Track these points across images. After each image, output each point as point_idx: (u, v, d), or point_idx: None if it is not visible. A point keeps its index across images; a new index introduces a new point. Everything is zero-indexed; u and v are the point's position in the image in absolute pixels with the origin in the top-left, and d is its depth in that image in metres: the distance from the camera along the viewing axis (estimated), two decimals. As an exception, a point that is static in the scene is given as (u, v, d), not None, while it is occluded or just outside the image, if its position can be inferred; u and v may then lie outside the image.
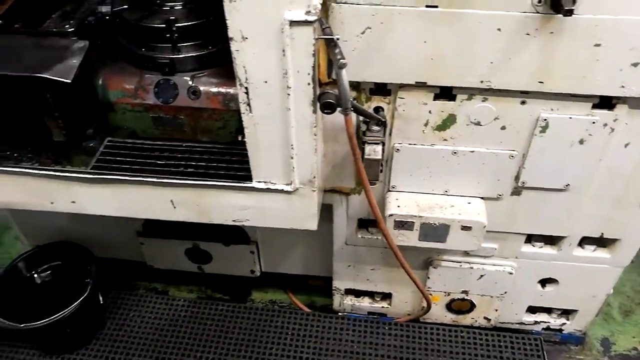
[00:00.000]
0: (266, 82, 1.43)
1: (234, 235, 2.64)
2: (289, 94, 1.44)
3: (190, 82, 2.18)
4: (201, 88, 2.18)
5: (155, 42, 2.14)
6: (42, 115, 2.09)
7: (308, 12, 1.29)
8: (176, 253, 2.69)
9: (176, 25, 2.08)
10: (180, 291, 2.93)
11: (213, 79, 2.20)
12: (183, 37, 2.12)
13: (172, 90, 2.19)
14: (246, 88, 1.45)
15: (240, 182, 1.75)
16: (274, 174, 1.69)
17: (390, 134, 1.87)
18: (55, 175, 1.79)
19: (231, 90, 2.17)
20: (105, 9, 2.25)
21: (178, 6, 2.16)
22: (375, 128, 1.79)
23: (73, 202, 1.88)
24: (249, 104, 1.49)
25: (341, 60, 1.33)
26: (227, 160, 2.02)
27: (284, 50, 1.35)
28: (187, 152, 2.08)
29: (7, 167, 1.81)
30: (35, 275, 2.58)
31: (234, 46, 1.37)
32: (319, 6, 1.30)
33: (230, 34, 1.34)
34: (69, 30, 2.04)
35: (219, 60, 2.22)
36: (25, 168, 1.81)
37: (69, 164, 2.23)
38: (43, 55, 1.97)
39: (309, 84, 1.42)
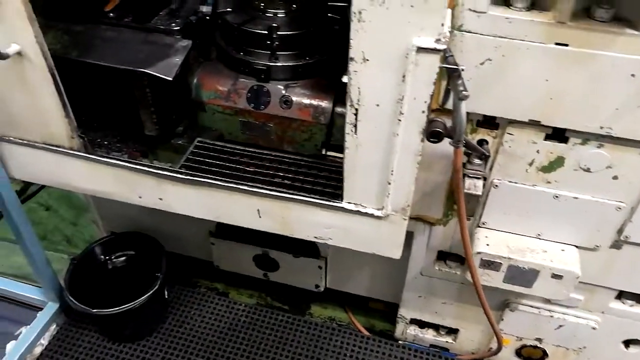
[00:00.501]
0: (378, 105, 1.38)
1: (305, 247, 2.61)
2: (399, 120, 1.38)
3: (283, 91, 2.17)
4: (293, 98, 2.17)
5: (254, 48, 2.14)
6: (138, 108, 2.13)
7: (438, 40, 1.23)
8: (244, 257, 2.69)
9: (277, 33, 2.08)
10: (240, 294, 2.93)
11: (306, 91, 2.18)
12: (282, 46, 2.11)
13: (265, 97, 2.18)
14: (356, 110, 1.41)
15: (330, 201, 1.71)
16: (367, 197, 1.63)
17: (490, 169, 1.78)
18: (148, 170, 1.80)
19: (322, 104, 2.15)
20: (206, 9, 2.27)
21: (281, 14, 2.15)
22: (477, 161, 1.71)
23: (160, 198, 1.89)
24: (355, 126, 1.44)
25: (463, 92, 1.26)
26: (314, 175, 1.98)
27: (404, 76, 1.30)
28: (275, 161, 2.06)
29: (102, 156, 1.84)
30: (109, 261, 2.64)
31: (352, 67, 1.32)
32: (448, 34, 1.24)
33: (351, 54, 1.30)
34: (175, 28, 2.07)
35: (313, 71, 2.20)
36: (120, 160, 1.83)
37: (155, 159, 2.27)
38: (148, 50, 2.01)
39: (423, 112, 1.36)
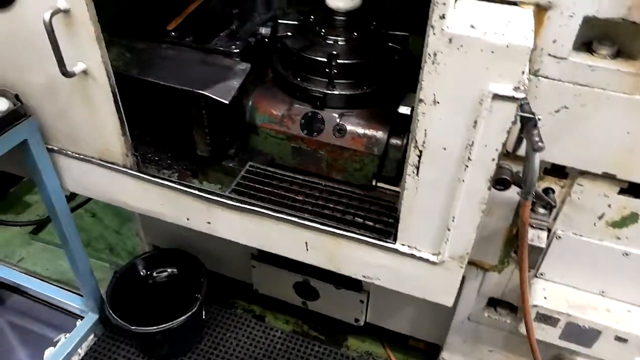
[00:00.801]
0: (445, 149, 1.32)
1: (348, 279, 2.54)
2: (467, 166, 1.31)
3: (338, 119, 2.12)
4: (347, 127, 2.12)
5: (312, 74, 2.11)
6: (192, 128, 2.12)
7: (517, 88, 1.15)
8: (284, 283, 2.64)
9: (337, 61, 2.04)
10: (277, 319, 2.88)
11: (361, 120, 2.13)
12: (341, 74, 2.07)
13: (319, 125, 2.14)
14: (420, 151, 1.34)
15: (383, 241, 1.64)
16: (422, 241, 1.56)
17: (554, 219, 1.68)
18: (199, 194, 1.78)
19: (377, 135, 2.09)
20: (265, 30, 2.26)
21: (341, 42, 2.12)
22: (542, 211, 1.61)
23: (208, 222, 1.87)
24: (417, 167, 1.38)
25: (539, 144, 1.18)
26: (366, 209, 1.92)
27: (476, 122, 1.23)
28: (326, 191, 2.00)
29: (154, 176, 1.83)
30: (150, 277, 2.65)
31: (421, 108, 1.26)
32: (527, 82, 1.17)
33: (421, 96, 1.24)
34: (234, 51, 2.07)
35: (369, 101, 2.15)
36: (171, 181, 1.82)
37: (205, 180, 2.25)
38: (207, 71, 2.01)
39: (493, 159, 1.28)
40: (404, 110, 2.19)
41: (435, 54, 1.16)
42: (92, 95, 1.68)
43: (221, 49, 2.07)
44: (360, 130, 2.11)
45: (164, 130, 2.43)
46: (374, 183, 2.20)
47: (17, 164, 1.93)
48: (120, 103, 1.69)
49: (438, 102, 1.24)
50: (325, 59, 2.05)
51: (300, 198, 1.95)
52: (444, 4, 1.08)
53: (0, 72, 1.75)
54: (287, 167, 2.31)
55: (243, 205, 1.76)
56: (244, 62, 2.08)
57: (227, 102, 1.92)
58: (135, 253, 3.09)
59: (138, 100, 2.10)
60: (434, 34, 1.13)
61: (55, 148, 1.94)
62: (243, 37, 2.18)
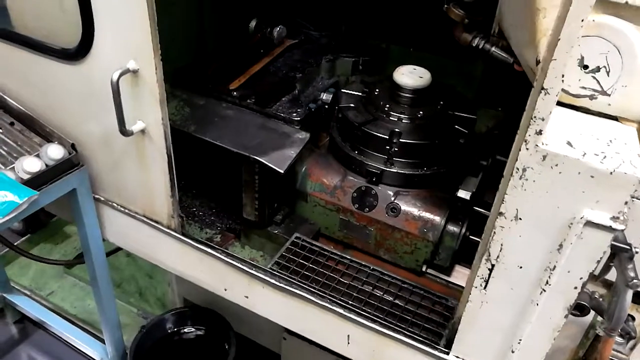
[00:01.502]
0: (521, 267, 1.18)
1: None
2: (544, 290, 1.17)
3: (392, 198, 2.02)
4: (402, 207, 2.01)
5: (370, 149, 2.03)
6: (241, 191, 2.05)
7: (615, 218, 1.02)
8: (315, 361, 2.49)
9: (400, 140, 1.95)
10: (301, 395, 2.70)
11: (417, 201, 2.02)
12: (401, 152, 1.97)
13: (372, 200, 2.04)
14: (492, 265, 1.21)
15: (435, 349, 1.49)
16: (480, 358, 1.40)
17: (631, 348, 1.50)
18: (240, 267, 1.68)
19: (434, 219, 1.97)
20: (326, 97, 2.21)
21: (405, 120, 2.03)
22: (619, 339, 1.44)
23: (247, 296, 1.77)
24: (486, 281, 1.24)
25: (634, 281, 1.04)
26: (416, 303, 1.78)
27: (561, 245, 1.10)
28: (373, 276, 1.88)
29: (198, 241, 1.75)
30: (177, 334, 2.55)
31: (500, 222, 1.14)
32: (627, 211, 1.03)
33: (502, 209, 1.12)
34: (295, 119, 2.01)
35: (427, 182, 2.04)
36: (214, 250, 1.74)
37: (248, 244, 2.17)
38: (265, 137, 1.95)
39: (575, 287, 1.14)
40: (463, 194, 2.07)
41: (524, 169, 1.05)
42: (146, 153, 1.64)
43: (282, 115, 2.02)
44: (416, 212, 2.00)
45: (211, 187, 2.38)
46: (423, 269, 2.07)
47: (62, 207, 1.90)
48: (173, 165, 1.64)
49: (520, 219, 1.12)
50: (386, 136, 1.96)
51: (346, 281, 1.83)
52: (543, 119, 0.98)
53: (60, 119, 1.74)
54: (333, 238, 2.21)
55: (286, 287, 1.65)
56: (303, 130, 2.02)
57: (282, 171, 1.85)
58: (164, 300, 3.01)
59: (190, 154, 2.06)
60: (527, 148, 1.02)
61: (102, 198, 1.89)
62: (305, 103, 2.13)
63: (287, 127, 2.00)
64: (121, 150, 1.68)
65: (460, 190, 2.04)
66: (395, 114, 2.04)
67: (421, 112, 2.05)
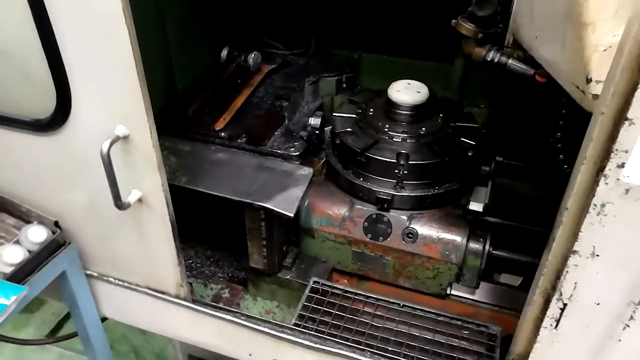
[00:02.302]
0: (598, 304, 1.08)
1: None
2: (627, 325, 1.07)
3: (407, 223, 1.90)
4: (419, 231, 1.89)
5: (377, 175, 1.90)
6: (244, 238, 1.89)
7: None
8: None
9: (408, 162, 1.84)
10: None
11: (434, 223, 1.90)
12: (411, 175, 1.86)
13: (385, 228, 1.92)
14: (564, 304, 1.11)
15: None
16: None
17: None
18: (264, 330, 1.52)
19: (455, 240, 1.86)
20: (314, 121, 2.07)
21: (410, 139, 1.91)
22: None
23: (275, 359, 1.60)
24: (558, 321, 1.14)
25: None
26: (458, 336, 1.67)
27: (646, 281, 1.00)
28: (407, 313, 1.75)
29: (214, 307, 1.58)
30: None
31: (574, 260, 1.04)
32: None
33: (576, 247, 1.02)
34: (294, 154, 1.86)
35: (442, 200, 1.93)
36: (231, 315, 1.57)
37: (258, 293, 2.00)
38: (265, 179, 1.79)
39: (664, 320, 1.05)
40: (475, 206, 1.97)
41: (603, 205, 0.95)
42: (145, 222, 1.45)
43: (279, 151, 1.87)
44: (434, 235, 1.89)
45: (208, 235, 2.20)
46: (448, 291, 1.96)
47: (51, 290, 1.68)
48: (177, 232, 1.45)
49: (597, 255, 1.01)
50: (393, 159, 1.84)
51: (379, 324, 1.69)
52: (626, 151, 0.87)
53: (39, 196, 1.53)
54: (346, 272, 2.07)
55: (318, 346, 1.50)
56: (304, 164, 1.87)
57: (292, 215, 1.70)
58: (164, 356, 2.79)
59: (182, 205, 1.88)
60: (606, 183, 0.91)
61: (95, 274, 1.69)
62: (298, 134, 1.98)
63: (287, 164, 1.85)
64: (114, 221, 1.49)
65: (471, 203, 1.95)
66: (397, 134, 1.92)
67: (424, 129, 1.94)
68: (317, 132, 2.13)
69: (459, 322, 1.69)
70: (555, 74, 1.19)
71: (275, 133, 1.94)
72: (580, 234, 0.99)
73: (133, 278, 1.63)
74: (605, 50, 1.01)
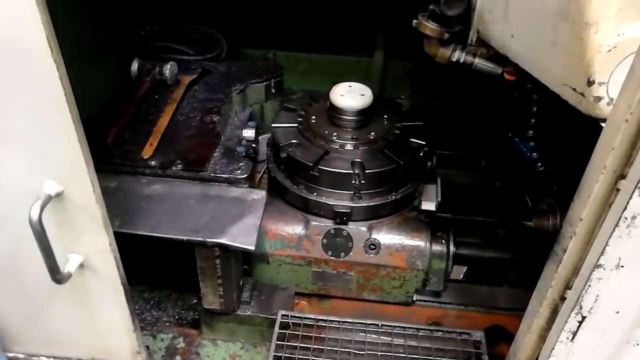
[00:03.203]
0: (618, 312, 1.05)
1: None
2: (645, 329, 1.05)
3: (368, 234, 1.79)
4: (381, 241, 1.80)
5: (333, 188, 1.76)
6: (190, 275, 1.66)
7: None
8: None
9: (365, 171, 1.72)
10: None
11: (395, 231, 1.82)
12: (368, 184, 1.74)
13: (345, 243, 1.80)
14: (583, 317, 1.06)
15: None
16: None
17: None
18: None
19: (419, 245, 1.79)
20: (247, 133, 1.89)
21: (361, 146, 1.80)
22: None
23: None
24: (574, 334, 1.09)
25: None
26: (442, 349, 1.60)
27: (669, 282, 0.98)
28: (386, 333, 1.65)
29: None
30: None
31: (597, 274, 0.98)
32: None
33: (601, 261, 0.96)
34: (241, 177, 1.66)
35: (397, 206, 1.85)
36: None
37: (218, 337, 1.79)
38: (215, 209, 1.58)
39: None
40: (428, 206, 1.92)
41: (634, 217, 0.89)
42: (90, 290, 1.19)
43: (223, 176, 1.66)
44: (398, 243, 1.80)
45: (146, 277, 1.93)
46: (414, 298, 1.90)
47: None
48: (130, 293, 1.21)
49: (622, 266, 0.97)
50: (349, 170, 1.72)
51: (361, 350, 1.57)
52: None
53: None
54: (305, 293, 1.92)
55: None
56: (259, 190, 1.68)
57: (252, 248, 1.51)
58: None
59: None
60: (640, 195, 0.86)
61: (20, 356, 1.38)
62: (236, 151, 1.78)
63: (235, 189, 1.65)
64: (48, 294, 1.20)
65: (423, 203, 1.89)
66: (347, 141, 1.80)
67: (373, 133, 1.83)
68: (254, 144, 1.95)
69: (441, 333, 1.62)
70: (539, 75, 1.13)
71: (214, 154, 1.72)
72: (607, 247, 0.93)
73: (75, 352, 1.35)
74: (609, 50, 0.96)
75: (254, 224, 1.53)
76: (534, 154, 1.40)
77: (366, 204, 1.78)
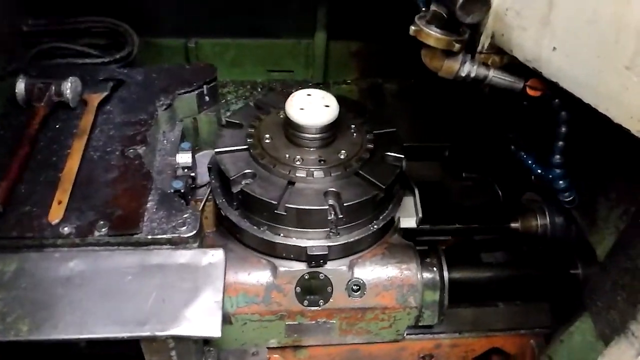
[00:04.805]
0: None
1: None
2: None
3: (349, 273, 1.49)
4: (366, 279, 1.50)
5: (305, 226, 1.43)
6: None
7: None
8: None
9: (341, 202, 1.39)
10: None
11: (379, 265, 1.53)
12: (347, 217, 1.42)
13: (324, 287, 1.49)
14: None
15: None
16: None
17: None
18: None
19: (410, 278, 1.50)
20: (182, 159, 1.56)
21: (334, 171, 1.46)
22: None
23: None
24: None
25: None
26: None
27: None
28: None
29: None
30: None
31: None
32: None
33: None
34: (188, 234, 1.27)
35: (379, 235, 1.55)
36: None
37: None
38: (159, 287, 1.20)
39: None
40: (407, 223, 1.66)
41: None
42: None
43: (164, 236, 1.27)
44: (385, 278, 1.52)
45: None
46: (405, 336, 1.64)
47: None
48: None
49: None
50: (323, 205, 1.38)
51: None
52: None
53: None
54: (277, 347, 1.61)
55: None
56: (206, 245, 1.31)
57: (219, 335, 1.15)
58: None
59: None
60: None
61: None
62: (172, 189, 1.41)
63: (183, 253, 1.27)
64: None
65: (402, 220, 1.63)
66: (315, 167, 1.46)
67: (343, 152, 1.50)
68: (193, 173, 1.58)
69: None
70: (597, 102, 0.84)
71: (147, 205, 1.32)
72: None
73: None
74: None
75: (216, 301, 1.17)
76: (561, 182, 1.13)
77: (345, 240, 1.46)
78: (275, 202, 1.38)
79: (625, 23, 0.74)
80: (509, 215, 1.82)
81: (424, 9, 1.00)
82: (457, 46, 0.97)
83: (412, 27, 0.98)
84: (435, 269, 1.56)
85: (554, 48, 0.88)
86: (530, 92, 1.04)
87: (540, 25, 0.89)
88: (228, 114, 1.81)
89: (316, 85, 2.59)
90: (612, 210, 1.25)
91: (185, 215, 1.29)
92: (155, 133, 1.59)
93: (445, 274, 1.55)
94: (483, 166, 2.05)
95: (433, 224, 1.73)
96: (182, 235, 1.26)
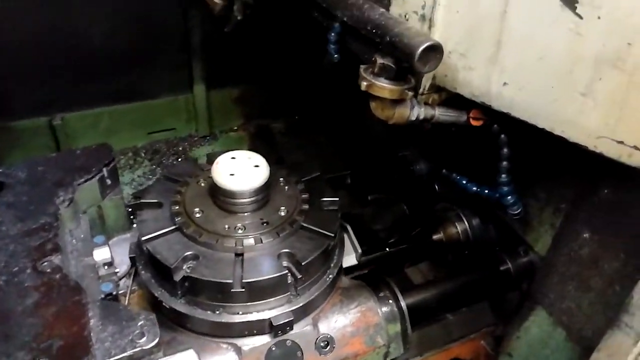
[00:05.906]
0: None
1: None
2: None
3: (315, 331, 1.43)
4: (332, 333, 1.45)
5: (265, 298, 1.34)
6: None
7: None
8: None
9: (298, 262, 1.34)
10: None
11: (339, 313, 1.49)
12: (306, 276, 1.37)
13: (294, 354, 1.41)
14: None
15: None
16: None
17: None
18: None
19: (373, 319, 1.49)
20: (101, 256, 1.39)
21: (280, 231, 1.39)
22: None
23: None
24: None
25: None
26: None
27: None
28: None
29: None
30: None
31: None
32: None
33: None
34: (151, 345, 1.12)
35: (333, 282, 1.51)
36: None
37: None
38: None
39: None
40: (349, 261, 1.66)
41: None
42: None
43: (124, 355, 1.10)
44: (349, 326, 1.48)
45: None
46: (379, 376, 1.62)
47: None
48: None
49: None
50: (280, 271, 1.32)
51: None
52: None
53: None
54: None
55: None
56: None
57: None
58: None
59: None
60: None
61: None
62: (105, 291, 1.23)
63: None
64: None
65: (345, 258, 1.63)
66: (260, 232, 1.38)
67: (283, 208, 1.44)
68: (117, 269, 1.41)
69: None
70: (553, 127, 0.92)
71: (90, 324, 1.13)
72: None
73: None
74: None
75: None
76: (509, 198, 1.21)
77: (307, 300, 1.40)
78: (230, 281, 1.27)
79: (579, 55, 0.81)
80: (431, 228, 1.91)
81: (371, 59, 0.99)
82: (409, 94, 0.99)
83: (363, 82, 0.97)
84: (391, 300, 1.56)
85: (505, 83, 0.93)
86: (473, 122, 1.09)
87: (488, 63, 0.94)
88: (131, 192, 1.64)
89: (203, 139, 2.49)
90: (543, 209, 1.37)
91: (140, 323, 1.13)
92: (64, 235, 1.38)
93: (402, 303, 1.56)
94: (385, 186, 2.12)
95: (365, 255, 1.73)
96: (144, 348, 1.09)
